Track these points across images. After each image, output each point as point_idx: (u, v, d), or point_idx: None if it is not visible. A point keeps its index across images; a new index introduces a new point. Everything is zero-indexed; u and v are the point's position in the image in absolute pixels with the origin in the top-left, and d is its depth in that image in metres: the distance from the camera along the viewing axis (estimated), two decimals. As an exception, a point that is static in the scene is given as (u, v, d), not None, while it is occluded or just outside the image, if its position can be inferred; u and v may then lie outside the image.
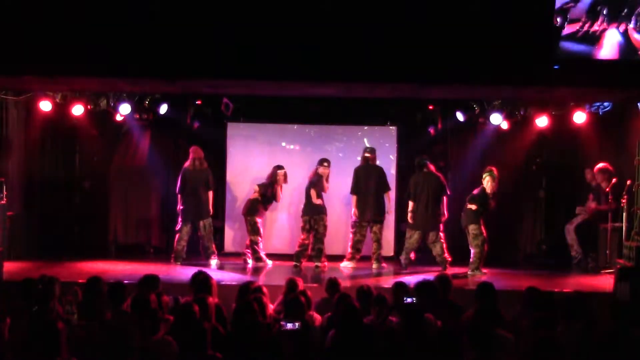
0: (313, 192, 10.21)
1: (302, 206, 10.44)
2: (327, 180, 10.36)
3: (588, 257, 10.36)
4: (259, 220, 10.41)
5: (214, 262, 10.31)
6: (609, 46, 8.22)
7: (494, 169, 9.92)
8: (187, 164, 10.40)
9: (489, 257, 10.17)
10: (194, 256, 10.41)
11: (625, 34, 8.22)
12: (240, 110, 11.30)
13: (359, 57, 8.17)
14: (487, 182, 9.86)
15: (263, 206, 10.46)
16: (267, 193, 10.42)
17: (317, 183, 10.27)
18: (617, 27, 8.20)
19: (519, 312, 6.08)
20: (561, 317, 5.57)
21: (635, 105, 9.78)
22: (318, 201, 10.22)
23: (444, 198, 10.10)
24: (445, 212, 10.10)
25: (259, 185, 10.46)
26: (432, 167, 10.21)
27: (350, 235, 10.38)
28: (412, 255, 10.16)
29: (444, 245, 10.01)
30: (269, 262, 10.40)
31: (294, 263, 10.15)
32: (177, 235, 10.35)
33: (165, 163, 11.65)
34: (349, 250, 10.34)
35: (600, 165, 10.34)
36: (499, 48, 8.15)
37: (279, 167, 10.47)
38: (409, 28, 8.13)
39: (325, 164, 10.34)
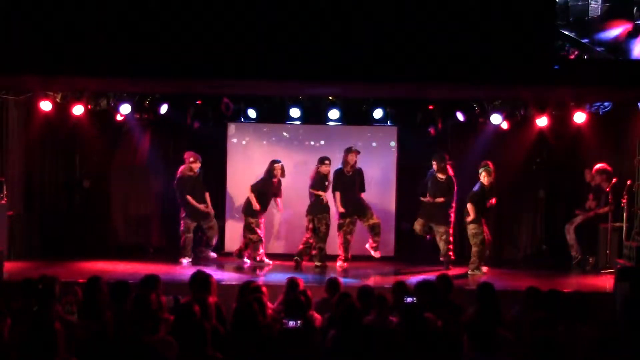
0: (315, 191, 10.22)
1: (303, 206, 10.47)
2: (327, 178, 10.37)
3: (588, 257, 10.36)
4: (258, 219, 10.41)
5: (185, 261, 10.44)
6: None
7: (489, 163, 9.98)
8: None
9: (489, 257, 10.19)
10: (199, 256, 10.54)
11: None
12: (241, 111, 11.31)
13: (359, 57, 8.17)
14: (483, 177, 9.92)
15: (261, 204, 10.42)
16: (264, 188, 10.41)
17: (319, 182, 10.29)
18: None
19: (519, 312, 6.09)
20: (561, 317, 5.57)
21: (635, 105, 9.79)
22: (321, 200, 10.23)
23: None
24: None
25: (252, 185, 10.46)
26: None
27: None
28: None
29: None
30: (269, 262, 10.41)
31: (295, 257, 10.19)
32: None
33: (165, 163, 11.65)
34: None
35: (599, 165, 10.34)
36: (499, 48, 8.15)
37: (275, 161, 10.48)
38: (409, 28, 8.13)
39: (327, 162, 10.35)
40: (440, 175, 10.11)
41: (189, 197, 10.43)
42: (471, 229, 9.86)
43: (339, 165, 10.37)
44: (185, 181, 10.46)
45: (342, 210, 10.19)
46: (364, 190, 10.49)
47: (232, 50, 8.16)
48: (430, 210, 10.17)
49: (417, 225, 10.30)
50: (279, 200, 10.66)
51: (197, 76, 8.55)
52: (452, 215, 10.13)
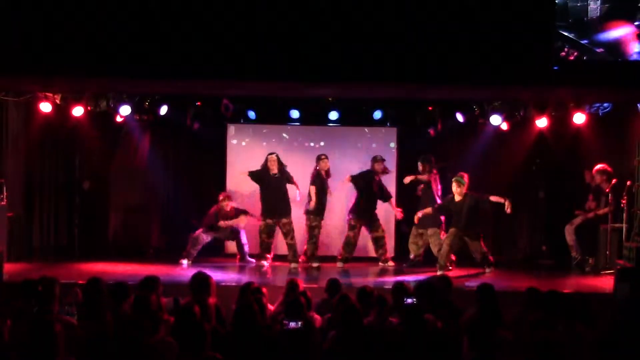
0: (311, 190, 10.26)
1: (304, 207, 10.49)
2: (327, 174, 10.37)
3: (587, 257, 10.35)
4: (264, 221, 10.40)
5: (185, 262, 10.38)
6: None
7: (464, 175, 10.01)
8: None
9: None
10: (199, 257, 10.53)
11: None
12: (240, 112, 11.31)
13: (359, 57, 8.17)
14: (454, 187, 9.95)
15: (267, 205, 10.41)
16: (260, 176, 10.41)
17: (317, 180, 10.31)
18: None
19: (519, 313, 6.08)
20: (561, 317, 5.57)
21: (635, 106, 9.79)
22: (312, 200, 10.25)
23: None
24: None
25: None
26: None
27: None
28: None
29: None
30: (265, 263, 10.42)
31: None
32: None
33: (165, 164, 11.65)
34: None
35: (599, 166, 10.33)
36: (499, 48, 8.16)
37: (270, 153, 10.51)
38: (409, 28, 8.13)
39: (323, 156, 10.40)
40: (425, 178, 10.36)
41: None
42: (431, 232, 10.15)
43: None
44: (221, 216, 10.43)
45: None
46: (385, 199, 10.56)
47: (232, 50, 8.16)
48: (422, 218, 10.25)
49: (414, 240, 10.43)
50: (295, 183, 10.58)
51: (197, 76, 8.55)
52: (441, 217, 10.24)
